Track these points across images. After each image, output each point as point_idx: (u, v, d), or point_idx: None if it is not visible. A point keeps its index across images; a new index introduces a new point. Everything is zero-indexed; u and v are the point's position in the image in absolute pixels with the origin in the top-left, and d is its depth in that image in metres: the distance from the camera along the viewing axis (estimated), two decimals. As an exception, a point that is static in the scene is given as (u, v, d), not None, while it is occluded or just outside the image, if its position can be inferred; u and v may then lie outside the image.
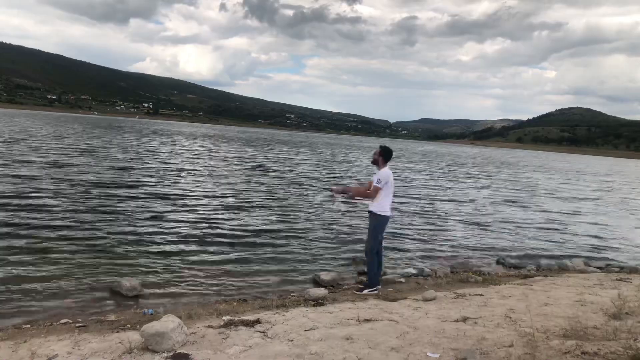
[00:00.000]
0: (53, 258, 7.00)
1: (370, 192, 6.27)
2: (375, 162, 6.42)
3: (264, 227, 10.35)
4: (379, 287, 6.47)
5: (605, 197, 24.07)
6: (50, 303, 5.53)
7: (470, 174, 34.32)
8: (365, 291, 6.28)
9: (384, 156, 6.33)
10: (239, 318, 4.59)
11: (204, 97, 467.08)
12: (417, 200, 16.76)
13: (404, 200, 16.52)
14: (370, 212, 6.33)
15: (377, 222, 6.30)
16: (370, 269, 6.40)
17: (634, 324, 4.31)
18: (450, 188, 22.43)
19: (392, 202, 6.51)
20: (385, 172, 6.24)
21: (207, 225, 10.08)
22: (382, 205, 6.25)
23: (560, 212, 16.63)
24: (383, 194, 6.21)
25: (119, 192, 13.19)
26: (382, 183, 6.16)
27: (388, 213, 6.32)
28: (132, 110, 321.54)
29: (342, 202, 6.56)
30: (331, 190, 6.72)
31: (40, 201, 10.89)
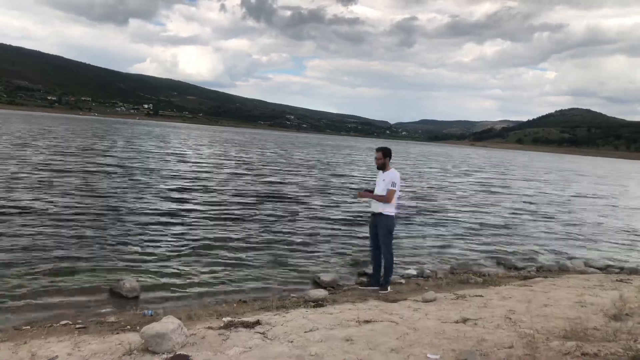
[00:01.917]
0: (53, 259, 7.00)
1: (388, 197, 6.28)
2: (382, 167, 6.48)
3: (264, 227, 10.35)
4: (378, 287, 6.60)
5: None
6: (50, 304, 5.53)
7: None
8: (381, 293, 6.38)
9: (390, 157, 6.48)
10: (239, 319, 4.59)
11: (204, 99, 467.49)
12: (418, 202, 16.78)
13: (403, 201, 16.56)
14: (380, 214, 6.40)
15: (391, 222, 6.43)
16: (387, 266, 6.55)
17: (634, 325, 4.31)
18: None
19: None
20: (396, 174, 6.35)
21: (207, 226, 10.09)
22: (394, 206, 6.40)
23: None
24: (397, 195, 6.35)
25: (119, 192, 13.18)
26: (397, 186, 6.27)
27: (394, 213, 6.47)
28: (132, 111, 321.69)
29: (365, 202, 6.96)
30: (359, 195, 6.89)
31: (40, 202, 10.89)
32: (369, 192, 6.71)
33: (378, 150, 6.47)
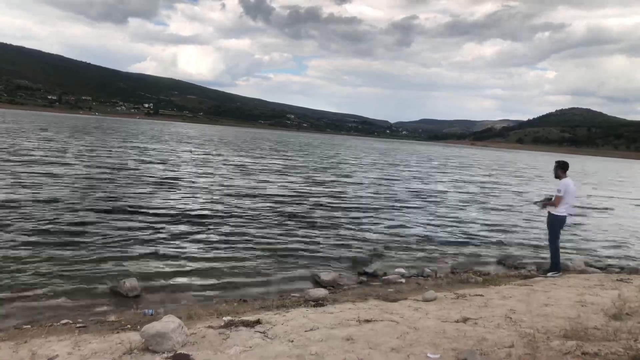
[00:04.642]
0: (53, 258, 7.00)
1: (555, 202, 7.65)
2: (557, 176, 7.80)
3: (264, 227, 10.35)
4: (558, 273, 7.67)
5: None
6: (51, 303, 5.54)
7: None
8: (549, 274, 7.64)
9: (561, 168, 7.73)
10: (239, 318, 4.59)
11: (204, 98, 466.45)
12: (420, 202, 16.78)
13: (404, 201, 16.56)
14: (548, 212, 7.81)
15: (552, 220, 7.72)
16: (551, 256, 7.84)
17: (634, 324, 4.30)
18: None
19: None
20: (564, 181, 7.61)
21: (207, 226, 10.09)
22: (561, 208, 7.60)
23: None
24: (564, 199, 7.55)
25: (119, 192, 13.19)
26: (562, 192, 7.54)
27: (562, 213, 7.63)
28: (133, 110, 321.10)
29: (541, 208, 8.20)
30: (543, 204, 8.07)
31: (40, 201, 10.89)
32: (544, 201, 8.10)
33: (555, 162, 7.89)
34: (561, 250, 10.61)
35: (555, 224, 7.75)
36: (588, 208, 18.58)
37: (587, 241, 11.89)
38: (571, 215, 7.98)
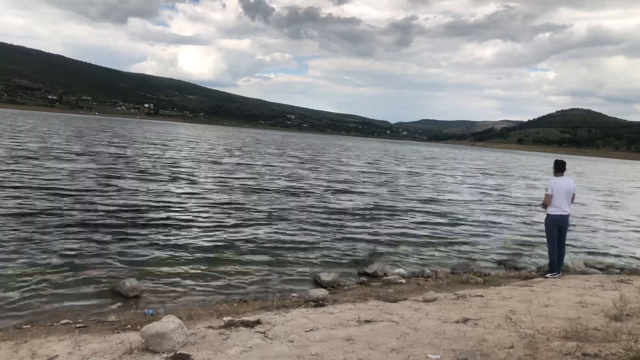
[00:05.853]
0: (53, 258, 7.00)
1: (545, 201, 7.70)
2: (555, 175, 7.82)
3: (264, 227, 10.35)
4: (557, 274, 7.56)
5: None
6: (51, 303, 5.53)
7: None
8: (548, 275, 7.55)
9: (555, 168, 7.78)
10: (240, 319, 4.59)
11: (205, 98, 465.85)
12: (420, 202, 16.78)
13: (404, 201, 16.56)
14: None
15: (546, 220, 7.76)
16: (549, 257, 7.76)
17: (634, 325, 4.30)
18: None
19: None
20: (552, 181, 7.66)
21: (207, 225, 10.09)
22: (552, 207, 7.59)
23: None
24: (554, 198, 7.51)
25: (120, 193, 13.19)
26: (549, 190, 7.61)
27: (555, 212, 7.56)
28: (133, 110, 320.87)
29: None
30: (543, 205, 7.97)
31: (40, 201, 10.90)
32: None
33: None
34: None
35: (549, 224, 7.70)
36: (588, 208, 18.57)
37: (587, 241, 11.88)
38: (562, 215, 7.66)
